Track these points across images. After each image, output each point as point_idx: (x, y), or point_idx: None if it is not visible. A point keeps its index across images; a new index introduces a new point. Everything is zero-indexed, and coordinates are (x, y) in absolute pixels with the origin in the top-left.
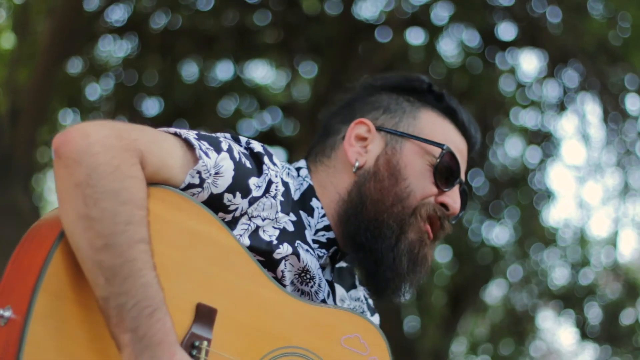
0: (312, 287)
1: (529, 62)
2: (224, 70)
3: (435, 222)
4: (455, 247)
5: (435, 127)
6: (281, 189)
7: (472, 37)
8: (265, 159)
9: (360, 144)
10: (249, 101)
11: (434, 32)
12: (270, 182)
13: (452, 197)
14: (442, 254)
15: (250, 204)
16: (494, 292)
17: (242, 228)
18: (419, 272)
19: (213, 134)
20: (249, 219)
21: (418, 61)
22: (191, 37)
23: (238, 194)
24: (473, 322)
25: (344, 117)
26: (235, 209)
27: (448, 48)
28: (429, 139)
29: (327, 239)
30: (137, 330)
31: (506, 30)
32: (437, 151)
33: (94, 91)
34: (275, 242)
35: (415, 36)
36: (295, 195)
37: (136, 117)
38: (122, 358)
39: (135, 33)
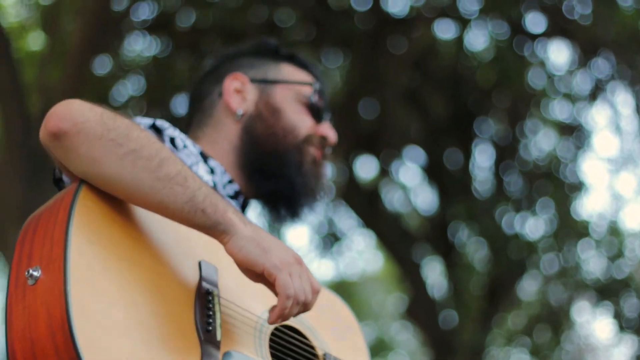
0: None
1: (559, 54)
2: None
3: (320, 152)
4: (490, 242)
5: (297, 73)
6: (187, 141)
7: (501, 30)
8: (158, 123)
9: (238, 96)
10: None
11: (463, 25)
12: (173, 138)
13: (328, 129)
14: (477, 249)
15: None
16: (529, 285)
17: None
18: (322, 187)
19: None
20: None
21: (447, 55)
22: (220, 34)
23: None
24: (508, 315)
25: (213, 79)
26: None
27: (477, 42)
28: (297, 81)
29: (235, 191)
30: (229, 207)
31: (535, 22)
32: (306, 90)
33: (123, 90)
34: None
35: (444, 30)
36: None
37: (167, 114)
38: (237, 236)
39: (163, 31)
